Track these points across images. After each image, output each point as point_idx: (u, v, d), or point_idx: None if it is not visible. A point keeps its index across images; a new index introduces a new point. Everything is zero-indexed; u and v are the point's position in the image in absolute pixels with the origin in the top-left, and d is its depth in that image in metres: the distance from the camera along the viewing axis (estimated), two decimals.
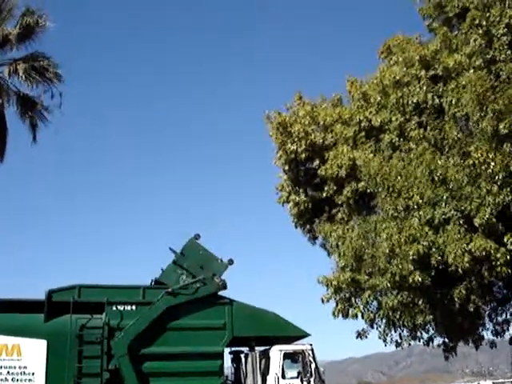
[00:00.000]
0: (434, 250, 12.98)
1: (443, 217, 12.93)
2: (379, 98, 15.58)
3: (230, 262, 15.97)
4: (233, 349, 16.92)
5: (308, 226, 17.62)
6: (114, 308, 15.62)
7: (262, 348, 17.60)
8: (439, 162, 13.29)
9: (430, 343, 17.12)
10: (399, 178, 13.80)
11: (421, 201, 13.26)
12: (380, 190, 14.19)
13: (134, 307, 15.78)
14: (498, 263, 12.52)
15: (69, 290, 15.84)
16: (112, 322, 15.40)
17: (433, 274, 13.36)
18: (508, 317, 17.99)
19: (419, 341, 16.78)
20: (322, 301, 15.91)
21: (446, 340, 17.44)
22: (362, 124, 16.04)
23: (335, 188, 16.10)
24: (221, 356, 16.25)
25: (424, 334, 16.42)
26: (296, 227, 17.74)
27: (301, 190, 17.14)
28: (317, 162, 16.46)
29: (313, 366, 16.84)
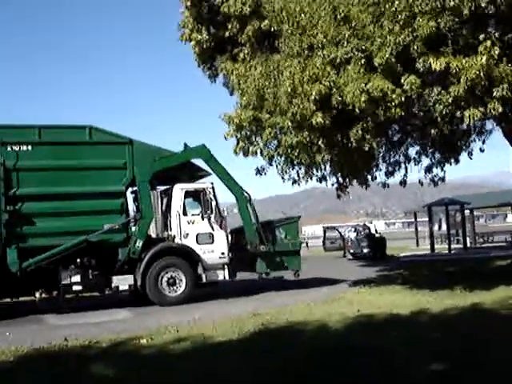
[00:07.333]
0: (334, 90, 12.98)
1: (345, 56, 12.78)
2: None
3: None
4: (135, 188, 17.00)
5: (209, 64, 17.19)
6: (9, 148, 15.23)
7: (164, 187, 17.85)
8: (342, 0, 12.93)
9: (324, 181, 17.83)
10: (303, 15, 13.44)
11: (324, 40, 13.00)
12: (285, 27, 13.83)
13: (29, 147, 15.42)
14: (393, 104, 12.63)
15: None
16: (8, 162, 15.06)
17: (333, 114, 13.45)
18: (400, 158, 18.93)
19: (315, 180, 17.41)
20: (225, 137, 15.95)
21: (340, 179, 18.20)
22: None
23: (238, 26, 15.51)
24: (122, 195, 16.40)
25: (320, 172, 17.01)
26: (199, 66, 17.28)
27: (203, 28, 16.43)
28: None
29: (213, 203, 17.30)
